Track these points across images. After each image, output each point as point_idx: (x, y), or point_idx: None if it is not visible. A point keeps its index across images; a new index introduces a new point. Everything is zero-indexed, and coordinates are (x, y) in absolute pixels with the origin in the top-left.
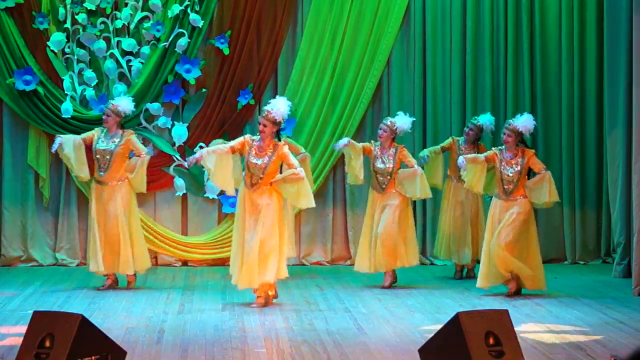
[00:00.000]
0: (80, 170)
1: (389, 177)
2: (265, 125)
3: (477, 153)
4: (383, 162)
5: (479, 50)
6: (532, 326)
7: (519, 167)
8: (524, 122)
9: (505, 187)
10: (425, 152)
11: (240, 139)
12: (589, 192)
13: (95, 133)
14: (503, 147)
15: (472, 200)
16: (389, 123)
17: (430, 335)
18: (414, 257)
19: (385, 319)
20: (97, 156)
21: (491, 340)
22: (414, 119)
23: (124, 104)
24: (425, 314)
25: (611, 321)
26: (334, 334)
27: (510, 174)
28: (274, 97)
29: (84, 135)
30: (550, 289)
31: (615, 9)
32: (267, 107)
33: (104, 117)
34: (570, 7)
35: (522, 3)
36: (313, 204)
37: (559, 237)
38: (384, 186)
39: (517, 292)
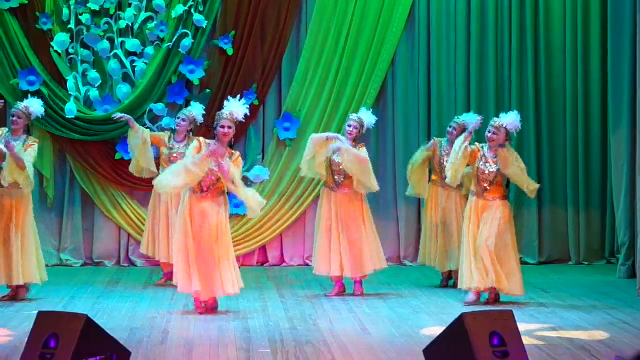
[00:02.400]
0: None
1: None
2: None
3: None
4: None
5: (484, 50)
6: (536, 327)
7: (498, 167)
8: (511, 120)
9: (482, 185)
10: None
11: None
12: (594, 193)
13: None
14: (486, 144)
15: (456, 205)
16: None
17: (435, 336)
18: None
19: (390, 319)
20: None
21: (496, 341)
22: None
23: (36, 106)
24: (430, 315)
25: (615, 322)
26: (339, 334)
27: (487, 172)
28: (279, 98)
29: None
30: (554, 289)
31: (619, 9)
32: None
33: (14, 118)
34: (575, 7)
35: (526, 2)
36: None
37: (563, 237)
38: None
39: (497, 299)
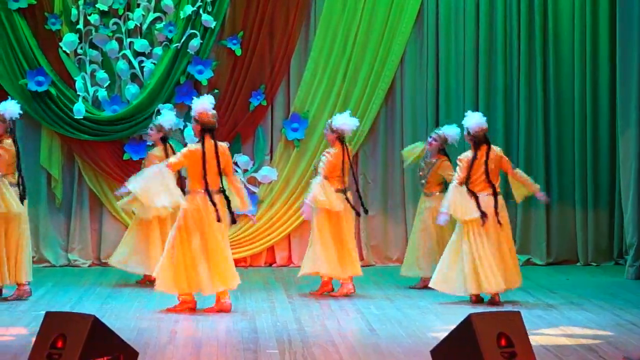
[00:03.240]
0: None
1: None
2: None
3: (440, 164)
4: None
5: (492, 49)
6: (544, 328)
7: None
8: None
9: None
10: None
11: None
12: (602, 193)
13: None
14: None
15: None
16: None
17: (442, 337)
18: None
19: (397, 320)
20: None
21: (503, 342)
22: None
23: (11, 107)
24: (437, 315)
25: (623, 323)
26: (346, 334)
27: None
28: (287, 99)
29: None
30: (562, 290)
31: (627, 10)
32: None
33: None
34: (583, 8)
35: (535, 3)
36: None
37: (571, 238)
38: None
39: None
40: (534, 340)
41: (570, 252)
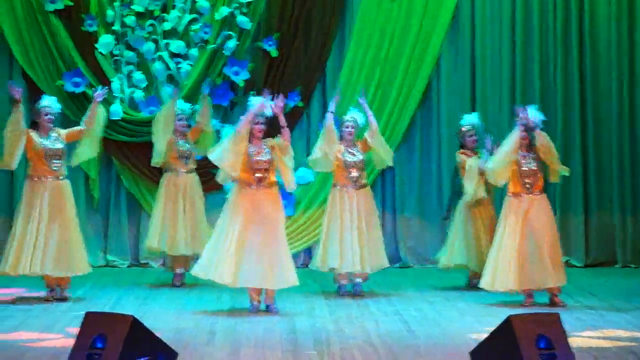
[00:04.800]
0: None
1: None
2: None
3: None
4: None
5: (529, 50)
6: (583, 330)
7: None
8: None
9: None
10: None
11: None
12: None
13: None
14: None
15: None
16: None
17: (482, 339)
18: None
19: (436, 321)
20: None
21: (543, 344)
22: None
23: (53, 101)
24: (477, 317)
25: None
26: (385, 336)
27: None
28: (323, 100)
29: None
30: (601, 292)
31: None
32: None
33: (48, 117)
34: (620, 6)
35: (571, 2)
36: None
37: (610, 240)
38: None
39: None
40: (573, 342)
41: (609, 253)
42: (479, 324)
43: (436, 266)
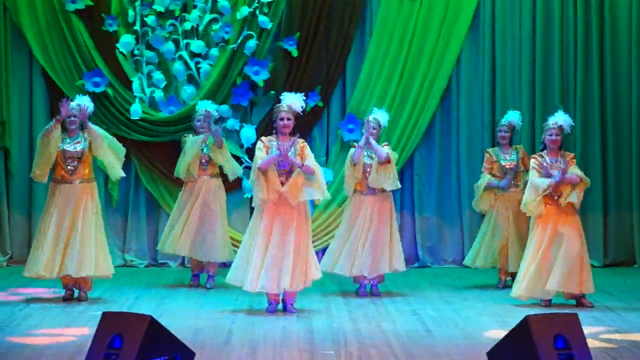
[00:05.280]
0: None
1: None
2: (289, 119)
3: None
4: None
5: (549, 51)
6: (601, 330)
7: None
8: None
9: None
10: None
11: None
12: None
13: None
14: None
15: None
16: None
17: (499, 339)
18: None
19: (454, 321)
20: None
21: (560, 344)
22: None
23: (86, 102)
24: (494, 317)
25: None
26: (402, 336)
27: None
28: (343, 99)
29: None
30: (619, 292)
31: None
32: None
33: (71, 118)
34: None
35: (591, 3)
36: None
37: (628, 240)
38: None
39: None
40: (591, 342)
41: (627, 253)
42: (497, 324)
43: (458, 266)
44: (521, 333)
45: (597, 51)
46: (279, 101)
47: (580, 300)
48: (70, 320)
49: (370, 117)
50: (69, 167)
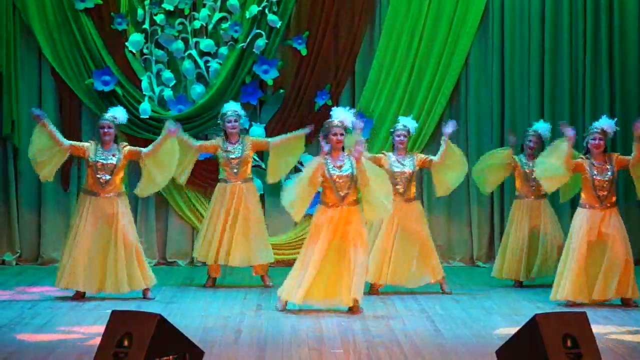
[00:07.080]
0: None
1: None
2: (342, 134)
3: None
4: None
5: (558, 51)
6: (611, 329)
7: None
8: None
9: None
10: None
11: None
12: None
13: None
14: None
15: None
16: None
17: (508, 338)
18: None
19: (462, 320)
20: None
21: (569, 343)
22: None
23: (121, 114)
24: (503, 316)
25: None
26: (411, 335)
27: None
28: (352, 98)
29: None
30: None
31: None
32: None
33: (105, 130)
34: None
35: (601, 3)
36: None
37: (637, 237)
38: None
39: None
40: (600, 341)
41: (636, 252)
42: (505, 322)
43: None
44: (530, 332)
45: (606, 51)
46: (288, 100)
47: (626, 300)
48: (79, 319)
49: (399, 125)
50: (100, 179)
